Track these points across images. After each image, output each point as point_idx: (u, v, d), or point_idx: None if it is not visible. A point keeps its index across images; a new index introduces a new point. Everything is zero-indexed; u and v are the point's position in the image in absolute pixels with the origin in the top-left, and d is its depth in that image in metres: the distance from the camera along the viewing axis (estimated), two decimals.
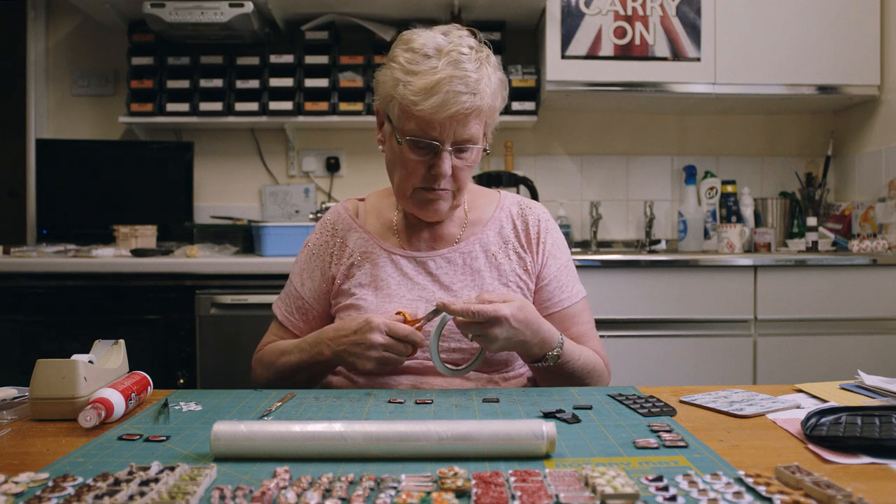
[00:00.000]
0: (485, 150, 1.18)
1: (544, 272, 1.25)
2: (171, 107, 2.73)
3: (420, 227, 1.26)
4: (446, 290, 1.20)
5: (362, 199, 1.35)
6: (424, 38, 1.13)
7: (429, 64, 1.09)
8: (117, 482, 0.63)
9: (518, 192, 2.65)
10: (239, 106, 2.74)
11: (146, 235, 2.56)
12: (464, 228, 1.27)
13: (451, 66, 1.08)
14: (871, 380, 1.06)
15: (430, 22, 1.19)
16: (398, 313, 1.09)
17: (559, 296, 1.25)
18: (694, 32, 2.60)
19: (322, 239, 1.29)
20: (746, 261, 2.34)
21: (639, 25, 2.60)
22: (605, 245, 2.98)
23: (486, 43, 1.17)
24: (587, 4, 2.59)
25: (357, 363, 1.06)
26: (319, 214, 2.64)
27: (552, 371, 1.13)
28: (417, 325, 1.08)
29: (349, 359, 1.07)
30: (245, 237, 2.72)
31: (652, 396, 0.98)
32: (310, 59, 2.75)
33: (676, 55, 2.60)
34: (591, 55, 2.60)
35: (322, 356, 1.11)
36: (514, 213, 1.29)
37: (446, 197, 1.18)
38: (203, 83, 2.73)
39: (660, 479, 0.65)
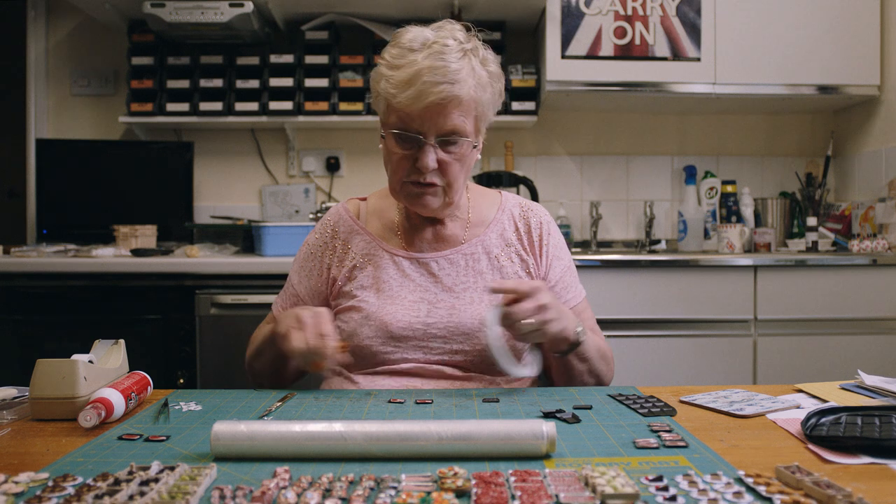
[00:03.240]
0: (474, 145, 1.16)
1: (550, 274, 1.25)
2: (171, 107, 2.73)
3: (422, 228, 1.25)
4: (449, 291, 1.19)
5: (364, 199, 1.34)
6: (413, 33, 1.13)
7: (411, 57, 1.09)
8: (117, 482, 0.63)
9: (518, 193, 2.66)
10: (239, 106, 2.74)
11: (146, 235, 2.56)
12: (466, 229, 1.26)
13: (430, 57, 1.08)
14: (871, 380, 1.06)
15: (430, 22, 1.19)
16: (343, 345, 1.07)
17: (565, 296, 1.26)
18: (694, 32, 2.60)
19: (322, 240, 1.28)
20: (746, 261, 2.34)
21: (639, 25, 2.60)
22: (605, 245, 2.98)
23: (478, 36, 1.17)
24: (587, 4, 2.59)
25: (281, 329, 1.05)
26: (319, 214, 2.64)
27: (576, 356, 1.12)
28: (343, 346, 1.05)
29: (280, 327, 1.06)
30: (245, 237, 2.72)
31: (652, 396, 0.98)
32: (310, 59, 2.75)
33: (676, 55, 2.60)
34: (591, 55, 2.60)
35: (276, 330, 1.09)
36: (516, 214, 1.28)
37: (436, 192, 1.17)
38: (203, 83, 2.73)
39: (660, 479, 0.65)
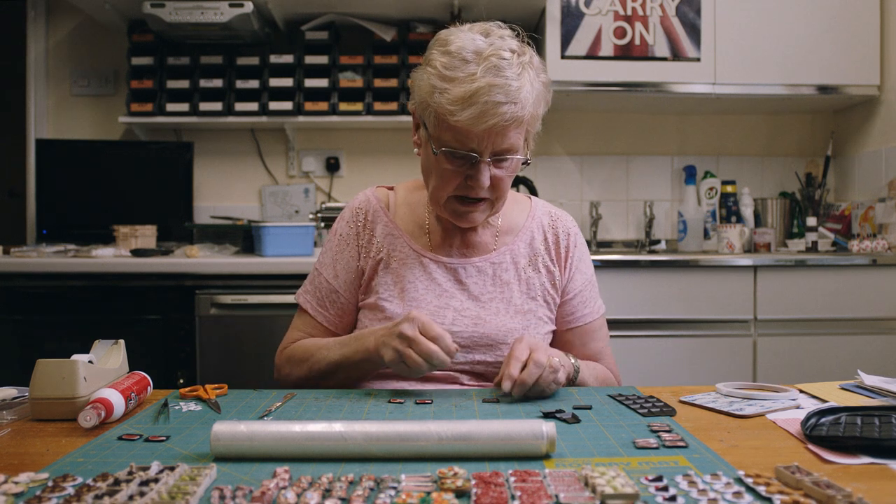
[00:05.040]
0: (526, 161, 1.12)
1: (570, 286, 1.24)
2: (171, 107, 2.73)
3: (452, 233, 1.21)
4: (475, 300, 1.17)
5: (391, 188, 1.29)
6: (462, 40, 1.06)
7: (467, 70, 1.03)
8: (117, 482, 0.63)
9: (518, 192, 2.65)
10: (239, 106, 2.74)
11: (146, 235, 2.56)
12: (496, 237, 1.23)
13: (490, 72, 1.01)
14: (871, 380, 1.06)
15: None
16: None
17: (582, 311, 1.24)
18: (694, 32, 2.60)
19: (353, 230, 1.23)
20: (746, 261, 2.34)
21: (639, 25, 2.60)
22: (605, 245, 2.98)
23: (529, 42, 1.12)
24: (587, 4, 2.59)
25: (384, 352, 1.01)
26: (320, 214, 2.64)
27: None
28: None
29: (382, 349, 1.01)
30: (245, 237, 2.72)
31: (652, 396, 0.98)
32: (310, 59, 2.75)
33: (676, 55, 2.60)
34: (591, 55, 2.60)
35: (364, 348, 1.06)
36: (546, 224, 1.26)
37: (483, 207, 1.14)
38: (203, 83, 2.73)
39: (660, 479, 0.65)
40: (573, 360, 1.10)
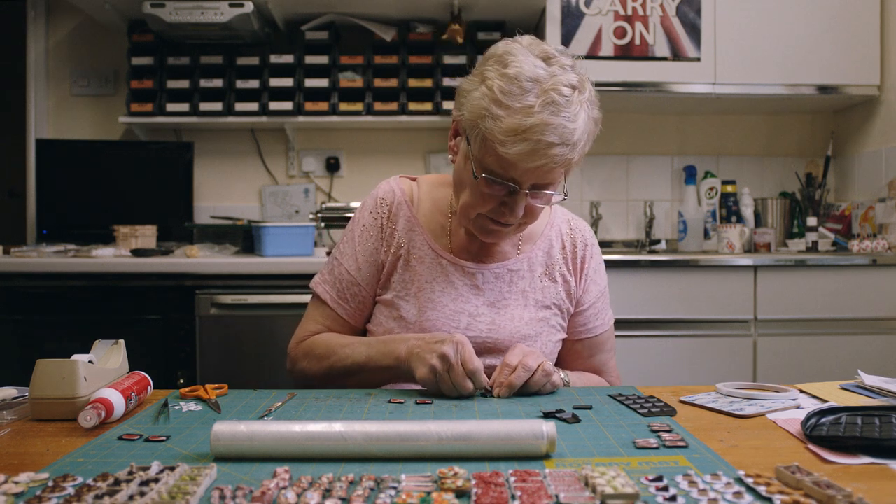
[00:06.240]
0: (564, 194, 1.10)
1: (584, 298, 1.23)
2: (171, 107, 2.73)
3: (473, 238, 1.19)
4: (490, 306, 1.17)
5: (414, 179, 1.26)
6: (522, 63, 1.01)
7: (524, 101, 0.98)
8: (117, 482, 0.63)
9: None
10: (239, 106, 2.74)
11: (146, 235, 2.56)
12: (516, 245, 1.23)
13: (547, 109, 0.98)
14: (871, 380, 1.06)
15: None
16: None
17: (593, 322, 1.24)
18: (694, 32, 2.60)
19: (377, 221, 1.20)
20: (746, 261, 2.34)
21: (639, 25, 2.60)
22: (606, 245, 2.98)
23: (587, 78, 1.08)
24: (587, 4, 2.59)
25: (417, 366, 1.00)
26: (320, 214, 2.64)
27: None
28: None
29: (415, 362, 1.01)
30: (245, 237, 2.72)
31: (652, 396, 0.98)
32: (310, 59, 2.75)
33: (676, 55, 2.60)
34: (592, 55, 2.60)
35: (393, 356, 1.06)
36: (564, 232, 1.25)
37: (512, 230, 1.12)
38: (203, 83, 2.73)
39: (660, 479, 0.65)
40: (563, 375, 1.10)
